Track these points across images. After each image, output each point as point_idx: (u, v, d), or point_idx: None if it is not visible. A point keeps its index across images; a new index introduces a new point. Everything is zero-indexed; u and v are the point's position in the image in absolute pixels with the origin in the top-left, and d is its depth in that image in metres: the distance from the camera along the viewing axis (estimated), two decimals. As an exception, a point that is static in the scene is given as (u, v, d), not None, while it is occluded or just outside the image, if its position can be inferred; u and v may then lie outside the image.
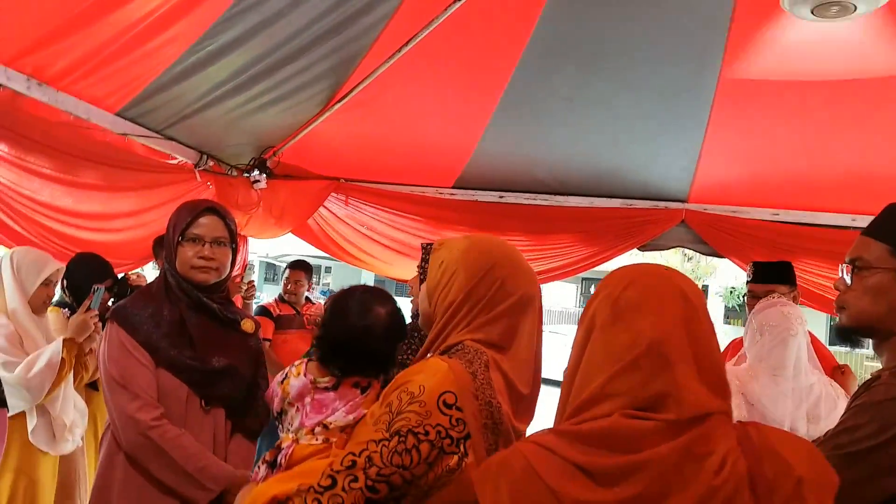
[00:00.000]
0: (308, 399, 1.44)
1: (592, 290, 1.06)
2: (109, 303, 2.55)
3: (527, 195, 3.82)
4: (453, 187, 3.91)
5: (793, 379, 2.06)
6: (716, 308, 19.06)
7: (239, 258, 3.13)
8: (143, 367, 1.69)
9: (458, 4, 2.62)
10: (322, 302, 4.21)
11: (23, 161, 2.48)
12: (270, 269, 24.04)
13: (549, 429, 0.95)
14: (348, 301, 1.46)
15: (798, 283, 2.76)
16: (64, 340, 2.32)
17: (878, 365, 1.29)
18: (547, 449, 0.89)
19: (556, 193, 3.77)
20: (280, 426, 1.49)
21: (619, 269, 1.00)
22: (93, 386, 2.70)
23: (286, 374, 1.50)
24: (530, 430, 1.13)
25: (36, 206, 2.62)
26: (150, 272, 4.31)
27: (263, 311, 3.89)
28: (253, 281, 3.53)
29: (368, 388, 1.45)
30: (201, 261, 1.76)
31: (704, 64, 2.83)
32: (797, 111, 3.01)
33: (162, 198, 3.19)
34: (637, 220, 3.65)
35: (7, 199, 2.48)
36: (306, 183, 3.87)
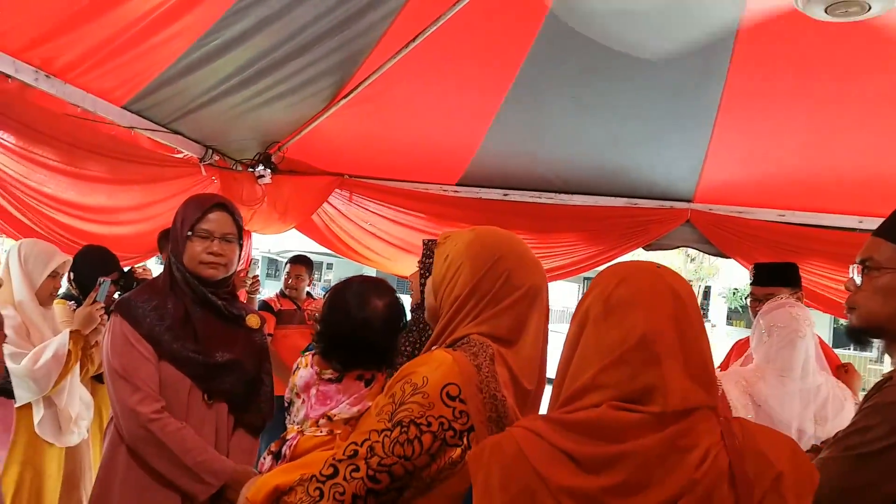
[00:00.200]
0: (313, 391, 1.45)
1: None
2: (115, 295, 2.56)
3: (531, 193, 3.81)
4: (457, 184, 3.92)
5: (800, 380, 2.05)
6: (719, 309, 19.03)
7: (243, 253, 3.14)
8: (145, 359, 1.69)
9: (463, 2, 2.62)
10: (323, 296, 4.21)
11: (30, 153, 2.49)
12: (272, 265, 24.08)
13: (540, 415, 0.99)
14: (346, 294, 1.46)
15: (803, 284, 2.75)
16: (70, 332, 2.33)
17: (881, 368, 1.28)
18: (537, 434, 0.93)
19: (560, 192, 3.77)
20: (287, 417, 1.49)
21: (611, 266, 1.03)
22: (98, 378, 2.71)
23: (297, 365, 1.51)
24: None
25: (42, 198, 2.63)
26: (154, 266, 4.32)
27: (265, 306, 3.89)
28: (257, 276, 3.53)
29: (372, 381, 1.45)
30: (210, 256, 1.76)
31: (712, 63, 2.83)
32: (804, 111, 3.01)
33: (167, 191, 3.20)
34: (642, 220, 3.64)
35: (14, 190, 2.49)
36: (310, 179, 3.87)
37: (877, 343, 1.31)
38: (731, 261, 3.70)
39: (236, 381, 1.80)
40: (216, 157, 3.44)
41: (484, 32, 2.87)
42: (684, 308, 0.94)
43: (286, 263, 4.12)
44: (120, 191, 3.00)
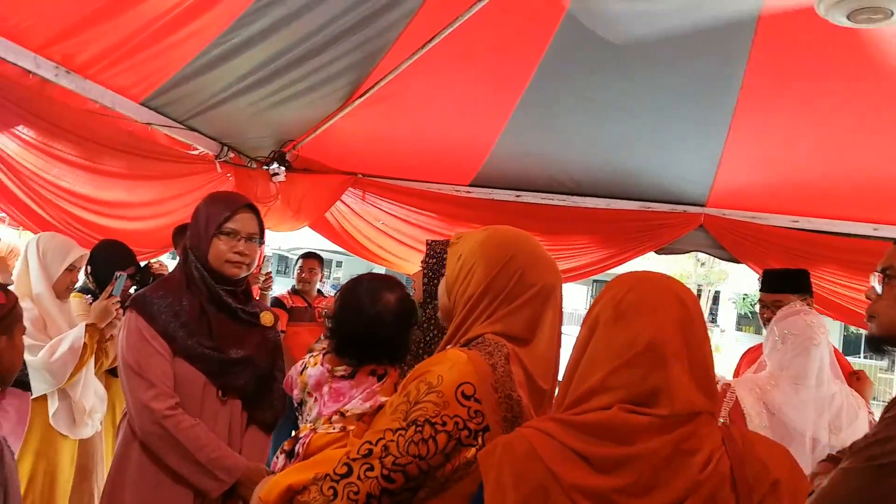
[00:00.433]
0: (326, 388, 1.46)
1: (602, 291, 1.10)
2: (132, 290, 2.58)
3: (544, 195, 3.81)
4: (470, 185, 3.92)
5: (815, 388, 2.04)
6: (728, 314, 18.92)
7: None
8: (159, 355, 1.70)
9: (481, 4, 2.62)
10: (333, 294, 4.24)
11: (49, 147, 2.51)
12: (282, 262, 24.19)
13: (549, 416, 1.01)
14: (358, 290, 1.47)
15: (815, 291, 2.73)
16: (86, 326, 2.35)
17: (892, 378, 1.28)
18: (548, 434, 0.95)
19: (573, 194, 3.77)
20: (300, 417, 1.50)
21: (622, 274, 1.07)
22: (112, 372, 2.73)
23: (304, 365, 1.52)
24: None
25: (60, 191, 2.66)
26: (168, 261, 4.35)
27: (277, 302, 3.92)
28: (270, 272, 3.56)
29: (385, 376, 1.46)
30: (236, 255, 1.77)
31: (729, 67, 2.82)
32: (820, 116, 2.98)
33: (182, 188, 3.22)
34: (654, 223, 3.63)
35: (34, 185, 2.52)
36: (324, 177, 3.89)
37: None
38: (741, 266, 3.67)
39: (250, 378, 1.81)
40: (231, 155, 3.46)
41: (500, 33, 2.87)
42: (689, 315, 0.98)
43: (298, 259, 4.17)
44: (136, 186, 3.03)
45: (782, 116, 3.06)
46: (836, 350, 2.40)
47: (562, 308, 1.29)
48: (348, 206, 4.03)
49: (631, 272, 1.07)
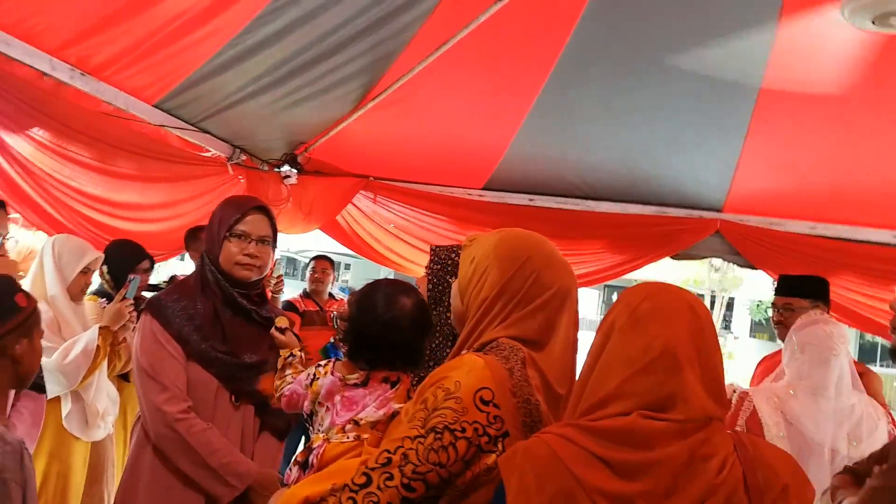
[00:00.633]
0: (338, 397, 1.44)
1: (614, 297, 1.14)
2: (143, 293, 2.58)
3: (557, 199, 3.77)
4: (483, 189, 3.89)
5: (834, 399, 2.00)
6: (742, 320, 18.75)
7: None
8: (173, 359, 1.69)
9: (497, 6, 2.60)
10: (343, 297, 4.24)
11: (64, 149, 2.52)
12: (291, 264, 24.28)
13: (566, 422, 1.02)
14: (375, 294, 1.46)
15: (833, 299, 2.68)
16: (99, 328, 2.35)
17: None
18: (568, 439, 0.96)
19: (587, 198, 3.72)
20: (311, 428, 1.48)
21: (637, 285, 1.10)
22: (124, 377, 2.73)
23: (313, 375, 1.50)
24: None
25: (73, 193, 2.67)
26: (177, 263, 4.37)
27: (290, 306, 3.92)
28: (282, 275, 3.55)
29: (398, 383, 1.44)
30: (246, 258, 1.76)
31: (747, 71, 2.78)
32: (840, 121, 2.94)
33: (195, 190, 3.23)
34: (670, 229, 3.58)
35: (48, 186, 2.53)
36: (336, 180, 3.88)
37: None
38: (756, 272, 3.62)
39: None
40: (243, 157, 3.46)
41: (515, 37, 2.85)
42: (701, 325, 1.01)
43: (310, 261, 4.18)
44: (148, 188, 3.04)
45: (800, 121, 3.01)
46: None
47: (577, 311, 1.26)
48: (359, 209, 4.01)
49: (645, 283, 1.09)
